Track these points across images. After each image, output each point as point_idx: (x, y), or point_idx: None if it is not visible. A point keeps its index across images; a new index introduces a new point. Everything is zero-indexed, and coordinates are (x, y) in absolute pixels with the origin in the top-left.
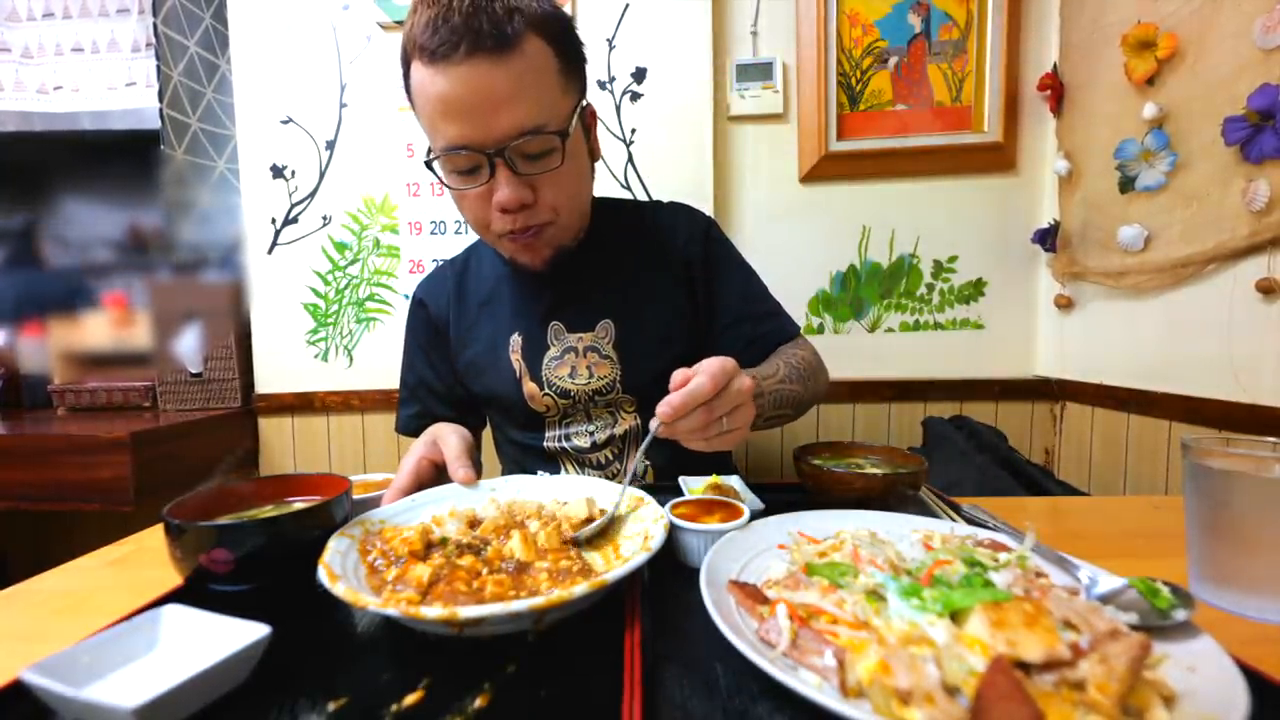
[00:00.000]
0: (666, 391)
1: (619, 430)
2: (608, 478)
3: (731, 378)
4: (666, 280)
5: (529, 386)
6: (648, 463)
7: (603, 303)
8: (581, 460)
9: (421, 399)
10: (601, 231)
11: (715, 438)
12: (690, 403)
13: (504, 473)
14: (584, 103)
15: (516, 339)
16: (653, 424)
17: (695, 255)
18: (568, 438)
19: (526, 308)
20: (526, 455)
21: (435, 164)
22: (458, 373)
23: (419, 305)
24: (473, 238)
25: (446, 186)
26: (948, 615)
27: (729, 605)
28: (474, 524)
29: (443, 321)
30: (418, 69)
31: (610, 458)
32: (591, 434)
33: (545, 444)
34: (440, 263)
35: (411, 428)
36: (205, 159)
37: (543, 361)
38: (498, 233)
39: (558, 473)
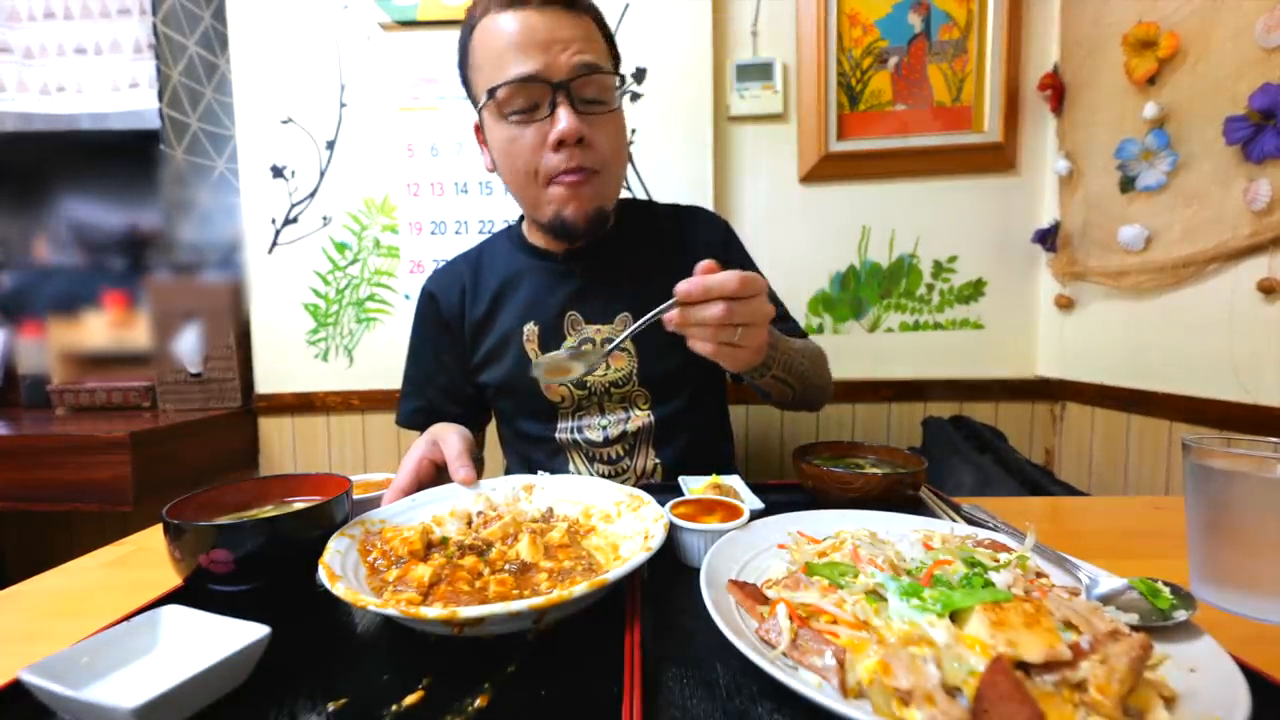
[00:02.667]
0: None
1: (631, 427)
2: (617, 474)
3: (757, 294)
4: (684, 277)
5: None
6: (657, 461)
7: (622, 296)
8: (591, 455)
9: (426, 393)
10: (623, 227)
11: (724, 346)
12: (712, 290)
13: (507, 469)
14: (624, 89)
15: (531, 328)
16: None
17: (711, 256)
18: (580, 430)
19: (543, 298)
20: (536, 448)
21: (488, 112)
22: (469, 367)
23: (429, 298)
24: (473, 239)
25: (500, 130)
26: (948, 615)
27: (729, 605)
28: (477, 523)
29: (454, 315)
30: (490, 20)
31: (620, 454)
32: (604, 428)
33: (557, 435)
34: (441, 262)
35: (415, 422)
36: (205, 159)
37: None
38: (549, 173)
39: (565, 468)
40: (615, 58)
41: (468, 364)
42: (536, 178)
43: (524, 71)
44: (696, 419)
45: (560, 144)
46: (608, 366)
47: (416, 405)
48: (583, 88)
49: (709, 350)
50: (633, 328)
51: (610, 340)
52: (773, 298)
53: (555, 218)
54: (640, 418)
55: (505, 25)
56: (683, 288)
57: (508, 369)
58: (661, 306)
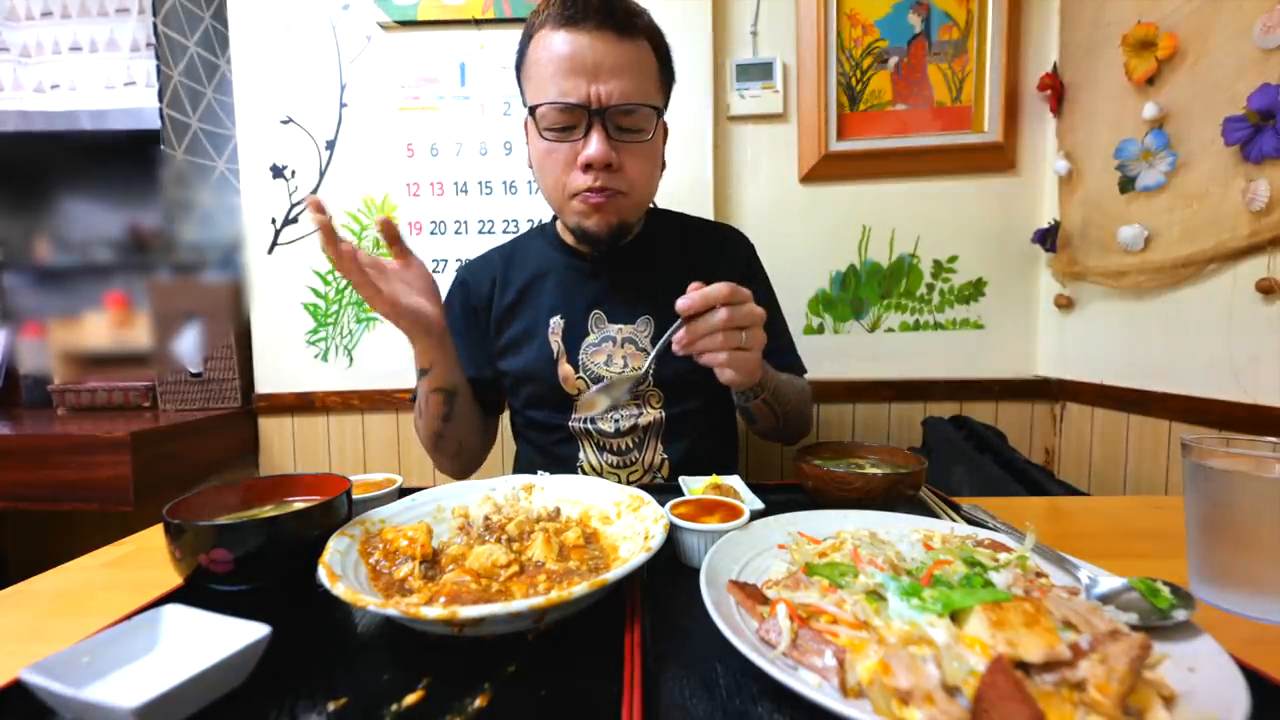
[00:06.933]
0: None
1: (643, 421)
2: (625, 464)
3: (745, 299)
4: None
5: (564, 369)
6: (665, 457)
7: (646, 299)
8: (602, 445)
9: None
10: (654, 234)
11: (735, 352)
12: (710, 298)
13: (517, 455)
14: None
15: (558, 321)
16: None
17: (735, 276)
18: (593, 419)
19: (571, 294)
20: (548, 434)
21: (530, 121)
22: (492, 353)
23: (460, 285)
24: (481, 243)
25: (538, 142)
26: (948, 615)
27: (729, 605)
28: (498, 528)
29: (483, 302)
30: (543, 35)
31: (630, 445)
32: (617, 420)
33: (571, 424)
34: (447, 262)
35: None
36: (205, 159)
37: (581, 346)
38: (574, 190)
39: (575, 455)
40: (668, 82)
41: (491, 350)
42: (564, 191)
43: (565, 95)
44: (705, 419)
45: (588, 166)
46: (625, 364)
47: None
48: (619, 117)
49: (722, 359)
50: (652, 355)
51: (638, 370)
52: (784, 329)
53: (577, 227)
54: (652, 413)
55: (557, 45)
56: (684, 304)
57: (530, 358)
58: (672, 327)
